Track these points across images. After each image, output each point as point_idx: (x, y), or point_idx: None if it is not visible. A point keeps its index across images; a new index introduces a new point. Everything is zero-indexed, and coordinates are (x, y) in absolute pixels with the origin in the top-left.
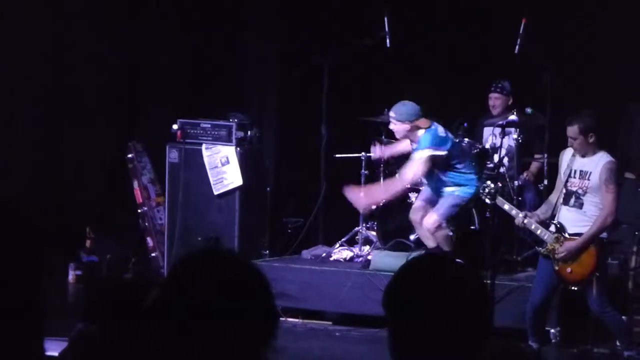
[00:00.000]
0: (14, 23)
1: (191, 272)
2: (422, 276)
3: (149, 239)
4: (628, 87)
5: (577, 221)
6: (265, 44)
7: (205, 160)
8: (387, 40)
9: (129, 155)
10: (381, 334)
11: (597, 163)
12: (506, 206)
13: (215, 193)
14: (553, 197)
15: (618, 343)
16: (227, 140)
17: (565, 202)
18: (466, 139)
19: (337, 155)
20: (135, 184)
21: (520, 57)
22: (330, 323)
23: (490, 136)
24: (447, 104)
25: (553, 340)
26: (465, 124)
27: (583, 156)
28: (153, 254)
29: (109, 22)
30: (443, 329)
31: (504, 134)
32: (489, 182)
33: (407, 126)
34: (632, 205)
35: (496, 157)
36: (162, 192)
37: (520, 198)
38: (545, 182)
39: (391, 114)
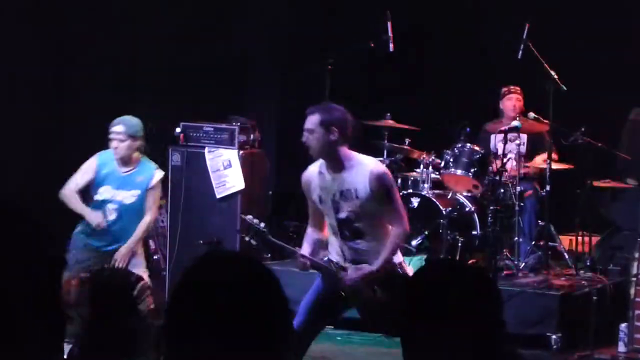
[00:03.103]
0: (13, 25)
1: (208, 275)
2: (437, 282)
3: (150, 242)
4: (631, 91)
5: None
6: (267, 47)
7: (208, 163)
8: (390, 45)
9: None
10: (381, 339)
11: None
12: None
13: (218, 196)
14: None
15: None
16: (229, 143)
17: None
18: (468, 144)
19: None
20: None
21: (523, 62)
22: (332, 327)
23: (500, 142)
24: (450, 109)
25: (554, 346)
26: (468, 129)
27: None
28: (155, 257)
29: (110, 23)
30: (458, 334)
31: (506, 140)
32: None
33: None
34: (634, 211)
35: (499, 163)
36: (164, 195)
37: (522, 204)
38: (548, 187)
39: (118, 127)
